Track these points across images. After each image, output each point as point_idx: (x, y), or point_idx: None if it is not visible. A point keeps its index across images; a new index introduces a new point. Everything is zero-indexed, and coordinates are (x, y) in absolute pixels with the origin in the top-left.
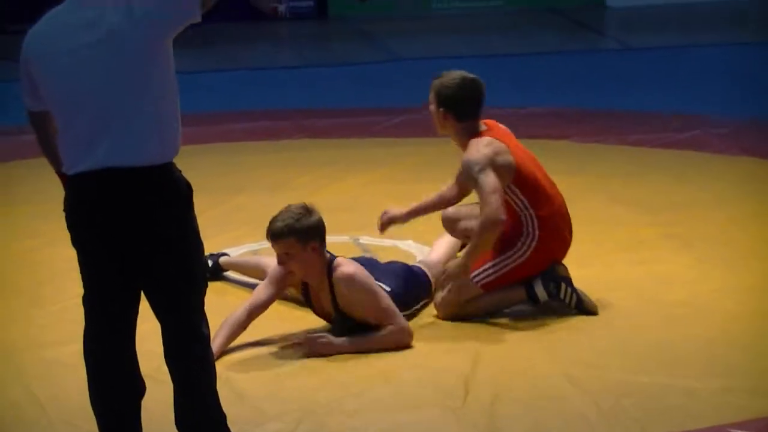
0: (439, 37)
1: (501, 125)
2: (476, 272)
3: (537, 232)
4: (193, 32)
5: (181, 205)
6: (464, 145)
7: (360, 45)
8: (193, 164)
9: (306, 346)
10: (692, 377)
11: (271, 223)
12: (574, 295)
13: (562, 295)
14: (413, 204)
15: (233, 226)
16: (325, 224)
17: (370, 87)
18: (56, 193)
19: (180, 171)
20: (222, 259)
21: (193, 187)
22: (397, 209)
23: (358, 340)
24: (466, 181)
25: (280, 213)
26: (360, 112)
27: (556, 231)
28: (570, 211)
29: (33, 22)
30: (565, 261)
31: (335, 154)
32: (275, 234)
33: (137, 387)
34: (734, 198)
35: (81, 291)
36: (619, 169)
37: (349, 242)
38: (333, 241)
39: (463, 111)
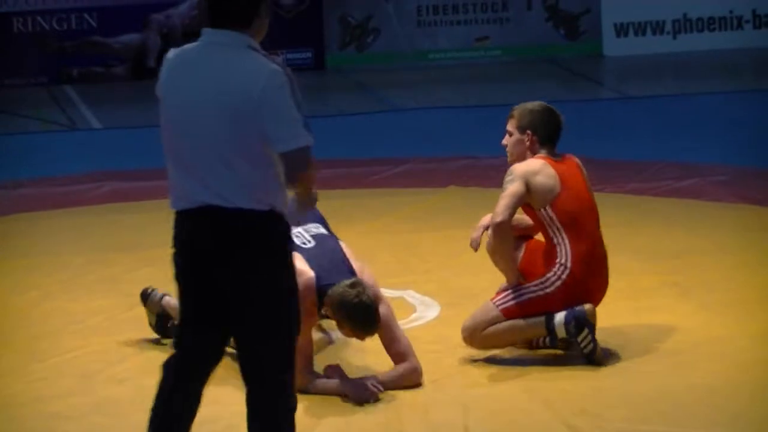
0: (437, 87)
1: (578, 164)
2: (499, 297)
3: (570, 265)
4: None
5: (268, 257)
6: None
7: (358, 96)
8: None
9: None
10: (695, 426)
11: (368, 320)
12: (592, 344)
13: (580, 339)
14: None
15: None
16: None
17: (367, 137)
18: (53, 246)
19: (280, 224)
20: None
21: None
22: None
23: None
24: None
25: (364, 304)
26: (358, 163)
27: (590, 270)
28: None
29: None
30: None
31: (333, 205)
32: (376, 324)
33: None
34: (733, 245)
35: (79, 344)
36: (618, 218)
37: None
38: None
39: (547, 134)
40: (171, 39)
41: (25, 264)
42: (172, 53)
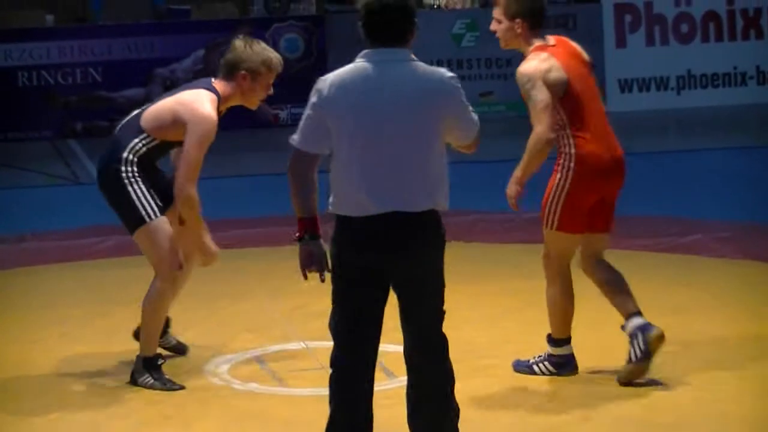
0: None
1: (570, 42)
2: (544, 221)
3: (574, 151)
4: None
5: (439, 247)
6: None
7: None
8: (194, 271)
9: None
10: None
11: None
12: (638, 354)
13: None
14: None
15: (235, 333)
16: (326, 332)
17: None
18: (55, 300)
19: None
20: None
21: (193, 294)
22: (512, 186)
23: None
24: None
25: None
26: None
27: (598, 146)
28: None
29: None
30: None
31: None
32: None
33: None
34: (736, 301)
35: (81, 397)
36: None
37: None
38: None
39: (536, 20)
40: None
41: (27, 317)
42: (333, 77)
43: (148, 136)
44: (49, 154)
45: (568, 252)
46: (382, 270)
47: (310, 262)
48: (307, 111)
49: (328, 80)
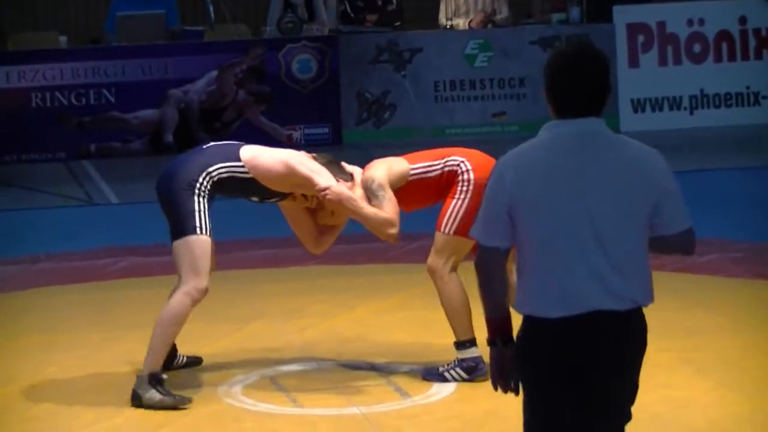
0: None
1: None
2: (443, 225)
3: (472, 176)
4: None
5: (642, 352)
6: None
7: None
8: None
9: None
10: None
11: None
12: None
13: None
14: None
15: (248, 354)
16: (339, 352)
17: None
18: (70, 322)
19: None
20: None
21: (208, 316)
22: None
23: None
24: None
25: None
26: (374, 239)
27: (490, 160)
28: None
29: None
30: None
31: (348, 281)
32: None
33: None
34: (752, 322)
35: (98, 419)
36: None
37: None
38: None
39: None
40: (188, 114)
41: (43, 340)
42: (515, 159)
43: (243, 167)
44: (63, 175)
45: (460, 256)
46: (580, 378)
47: (503, 373)
48: (487, 200)
49: (510, 163)
